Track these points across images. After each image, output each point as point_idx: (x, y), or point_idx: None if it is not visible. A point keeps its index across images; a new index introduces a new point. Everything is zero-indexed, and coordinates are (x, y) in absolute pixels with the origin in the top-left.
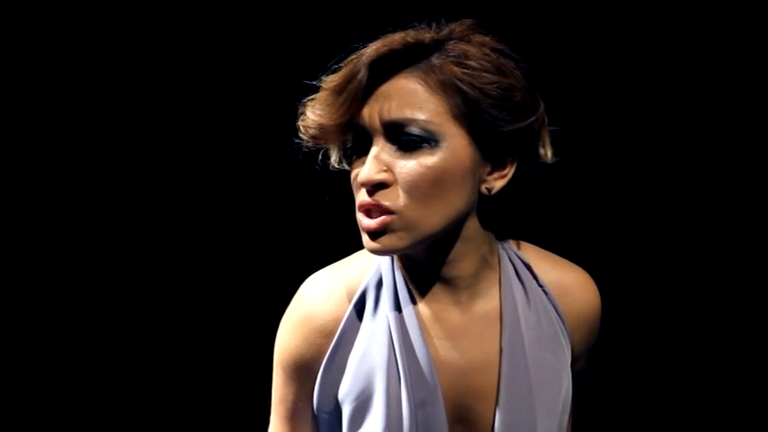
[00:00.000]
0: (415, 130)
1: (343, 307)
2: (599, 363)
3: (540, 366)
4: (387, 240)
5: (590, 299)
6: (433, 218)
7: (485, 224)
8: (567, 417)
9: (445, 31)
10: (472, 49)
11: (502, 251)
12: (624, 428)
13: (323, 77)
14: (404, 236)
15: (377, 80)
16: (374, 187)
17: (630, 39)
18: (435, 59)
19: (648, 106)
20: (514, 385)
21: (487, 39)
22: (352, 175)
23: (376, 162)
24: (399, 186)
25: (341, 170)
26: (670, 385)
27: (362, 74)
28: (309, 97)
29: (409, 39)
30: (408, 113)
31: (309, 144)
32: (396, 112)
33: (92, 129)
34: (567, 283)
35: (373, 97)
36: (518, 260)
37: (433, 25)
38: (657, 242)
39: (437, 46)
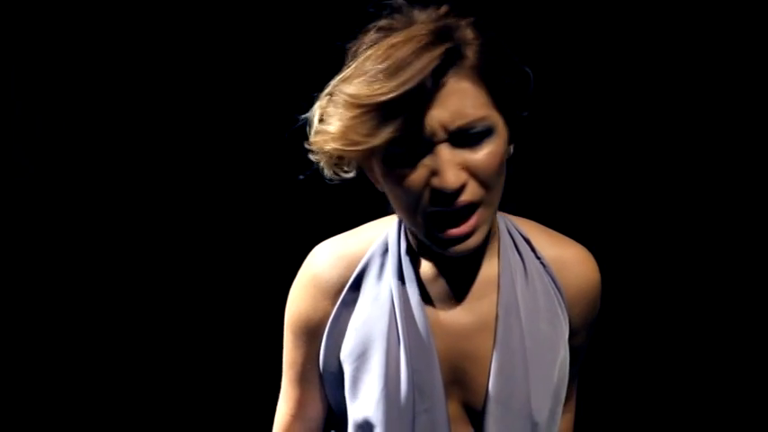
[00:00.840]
0: (479, 127)
1: (348, 271)
2: (603, 342)
3: (536, 335)
4: (473, 240)
5: (588, 274)
6: (500, 195)
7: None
8: (564, 390)
9: (435, 16)
10: (476, 34)
11: (502, 224)
12: (627, 406)
13: (344, 90)
14: (485, 227)
15: (433, 88)
16: (457, 189)
17: (624, 24)
18: (466, 50)
19: (645, 86)
20: (508, 351)
21: (465, 21)
22: (404, 182)
23: (453, 166)
24: (476, 179)
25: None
26: (671, 364)
27: (428, 86)
28: (332, 114)
29: (434, 38)
30: (471, 115)
31: (321, 161)
32: (460, 117)
33: (91, 128)
34: (566, 257)
35: (431, 105)
36: (517, 234)
37: (402, 4)
38: (660, 224)
39: (452, 36)
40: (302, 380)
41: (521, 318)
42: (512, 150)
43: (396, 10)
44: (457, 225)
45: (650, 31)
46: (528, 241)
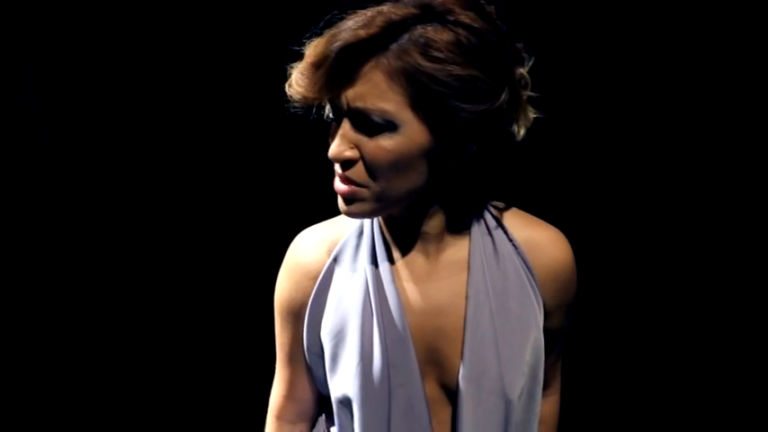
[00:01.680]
0: (376, 118)
1: (327, 253)
2: (589, 328)
3: (506, 315)
4: (355, 207)
5: (560, 255)
6: (395, 191)
7: (455, 190)
8: (541, 370)
9: (421, 3)
10: (442, 36)
11: (477, 207)
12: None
13: (307, 43)
14: (371, 204)
15: (347, 64)
16: (341, 163)
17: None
18: (403, 44)
19: (636, 82)
20: (478, 330)
21: (453, 17)
22: (329, 139)
23: (343, 140)
24: (364, 164)
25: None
26: (658, 353)
27: (330, 60)
28: (294, 64)
29: (380, 21)
30: (370, 103)
31: (298, 105)
32: (360, 100)
33: (92, 128)
34: (538, 239)
35: (343, 79)
36: (489, 216)
37: None
38: (648, 215)
39: (408, 27)
40: (291, 361)
41: (490, 297)
42: (452, 164)
43: None
44: (341, 183)
45: (643, 27)
46: (500, 223)
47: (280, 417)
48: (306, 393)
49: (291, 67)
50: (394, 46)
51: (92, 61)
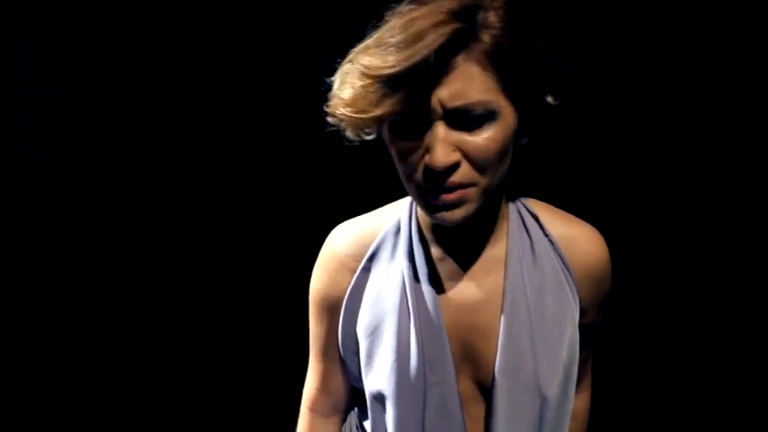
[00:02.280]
0: (478, 110)
1: (363, 249)
2: (618, 326)
3: (542, 311)
4: (463, 211)
5: (596, 252)
6: (497, 182)
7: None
8: (575, 367)
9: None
10: (501, 17)
11: (512, 206)
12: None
13: (360, 60)
14: (476, 203)
15: (443, 65)
16: (445, 169)
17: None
18: (482, 34)
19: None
20: (515, 325)
21: (497, 2)
22: (403, 153)
23: (445, 145)
24: (470, 161)
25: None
26: (684, 350)
27: (431, 64)
28: (347, 80)
29: (450, 17)
30: (472, 98)
31: (338, 125)
32: (459, 98)
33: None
34: (574, 236)
35: (438, 82)
36: (527, 213)
37: None
38: (674, 214)
39: (471, 18)
40: (325, 354)
41: (527, 293)
42: (525, 140)
43: None
44: (444, 194)
45: (654, 27)
46: (537, 219)
47: (313, 409)
48: (339, 387)
49: (340, 83)
50: (476, 35)
51: (110, 64)
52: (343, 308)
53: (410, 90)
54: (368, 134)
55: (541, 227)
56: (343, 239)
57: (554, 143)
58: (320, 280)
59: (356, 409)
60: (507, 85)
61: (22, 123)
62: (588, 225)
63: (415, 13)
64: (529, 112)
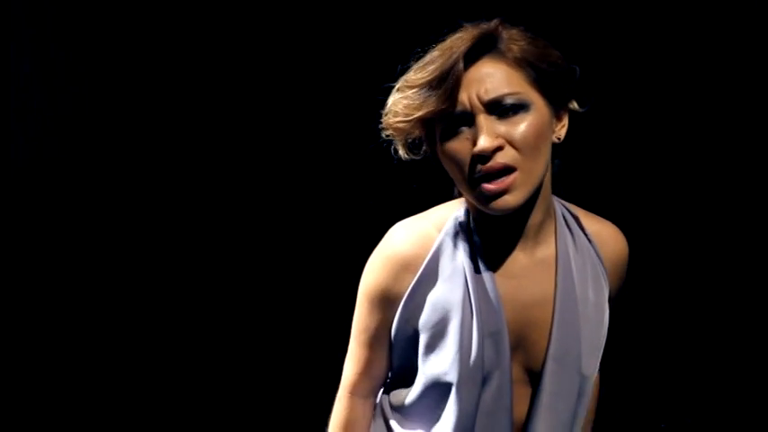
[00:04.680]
0: (511, 100)
1: (424, 249)
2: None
3: (586, 303)
4: (510, 198)
5: (622, 247)
6: (540, 167)
7: (549, 180)
8: (601, 352)
9: (489, 25)
10: (522, 35)
11: (556, 203)
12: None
13: (405, 79)
14: (522, 189)
15: (473, 66)
16: (492, 153)
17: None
18: (502, 45)
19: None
20: (566, 317)
21: (516, 29)
22: (452, 152)
23: (489, 132)
24: (512, 146)
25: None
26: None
27: (460, 66)
28: (397, 97)
29: (477, 33)
30: (503, 90)
31: (393, 138)
32: (494, 92)
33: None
34: (604, 233)
35: (466, 84)
36: (567, 212)
37: (469, 24)
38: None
39: (495, 35)
40: (374, 343)
41: (575, 287)
42: (561, 136)
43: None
44: (494, 182)
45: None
46: (576, 219)
47: (354, 393)
48: (382, 371)
49: (389, 103)
50: (497, 46)
51: (100, 62)
52: (402, 304)
53: (446, 92)
54: (416, 154)
55: (580, 225)
56: (405, 239)
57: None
58: (379, 276)
59: (384, 390)
60: (537, 83)
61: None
62: (612, 224)
63: (447, 39)
64: (559, 108)
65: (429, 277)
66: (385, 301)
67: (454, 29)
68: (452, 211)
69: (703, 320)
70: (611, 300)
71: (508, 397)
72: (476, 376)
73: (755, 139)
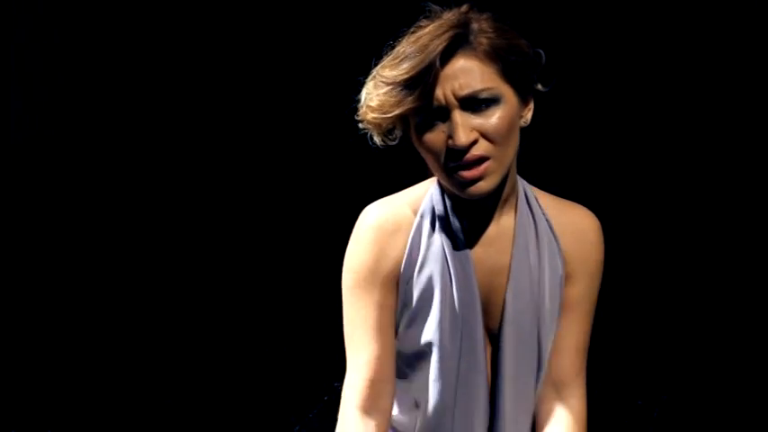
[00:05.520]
0: (485, 95)
1: (406, 227)
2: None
3: (541, 273)
4: (484, 184)
5: (586, 228)
6: (511, 152)
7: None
8: (555, 326)
9: (458, 14)
10: (491, 25)
11: (521, 182)
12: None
13: (380, 73)
14: (495, 175)
15: (448, 65)
16: (468, 146)
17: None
18: (473, 39)
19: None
20: (520, 284)
21: (484, 16)
22: (428, 144)
23: (464, 127)
24: (486, 138)
25: None
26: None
27: (437, 65)
28: (372, 91)
29: (451, 29)
30: (477, 86)
31: (370, 131)
32: (467, 87)
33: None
34: (571, 214)
35: (441, 80)
36: (530, 191)
37: (436, 9)
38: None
39: (466, 27)
40: (378, 335)
41: (529, 256)
42: (527, 119)
43: (432, 13)
44: (469, 170)
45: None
46: (536, 198)
47: (362, 407)
48: (390, 371)
49: (366, 96)
50: (468, 40)
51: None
52: (401, 276)
53: (424, 89)
54: (392, 140)
55: (539, 204)
56: (384, 215)
57: (553, 140)
58: (367, 254)
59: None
60: (506, 75)
61: None
62: (585, 208)
63: (420, 31)
64: (526, 95)
65: (413, 255)
66: (380, 279)
67: (422, 13)
68: (425, 190)
69: (678, 301)
70: (573, 279)
71: (483, 364)
72: (453, 337)
73: (742, 136)
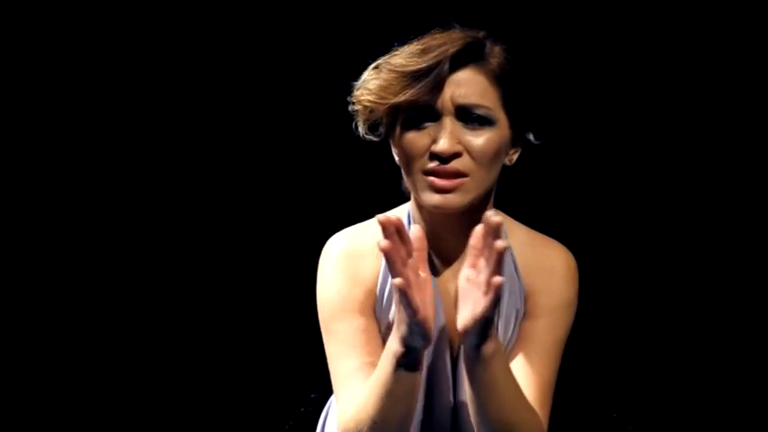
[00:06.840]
0: (481, 112)
1: (375, 248)
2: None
3: (500, 305)
4: (454, 198)
5: (554, 263)
6: (489, 180)
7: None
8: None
9: (476, 32)
10: (506, 52)
11: (496, 212)
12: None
13: (388, 61)
14: (470, 194)
15: (456, 69)
16: (449, 156)
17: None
18: (490, 57)
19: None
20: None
21: (501, 43)
22: (410, 142)
23: (452, 136)
24: (469, 155)
25: None
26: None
27: (446, 66)
28: (374, 76)
29: (467, 38)
30: (477, 100)
31: (358, 115)
32: (467, 97)
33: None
34: (542, 249)
35: (446, 83)
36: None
37: (455, 26)
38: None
39: (482, 43)
40: (370, 363)
41: None
42: (513, 160)
43: (448, 27)
44: (444, 179)
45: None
46: (507, 233)
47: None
48: None
49: (366, 81)
50: (484, 56)
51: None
52: (377, 300)
53: (427, 85)
54: (377, 135)
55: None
56: (348, 241)
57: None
58: (339, 283)
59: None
60: (506, 103)
61: None
62: (554, 241)
63: (434, 35)
64: (518, 134)
65: (386, 278)
66: (356, 306)
67: (443, 26)
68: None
69: (652, 313)
70: (533, 311)
71: (449, 382)
72: (424, 366)
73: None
